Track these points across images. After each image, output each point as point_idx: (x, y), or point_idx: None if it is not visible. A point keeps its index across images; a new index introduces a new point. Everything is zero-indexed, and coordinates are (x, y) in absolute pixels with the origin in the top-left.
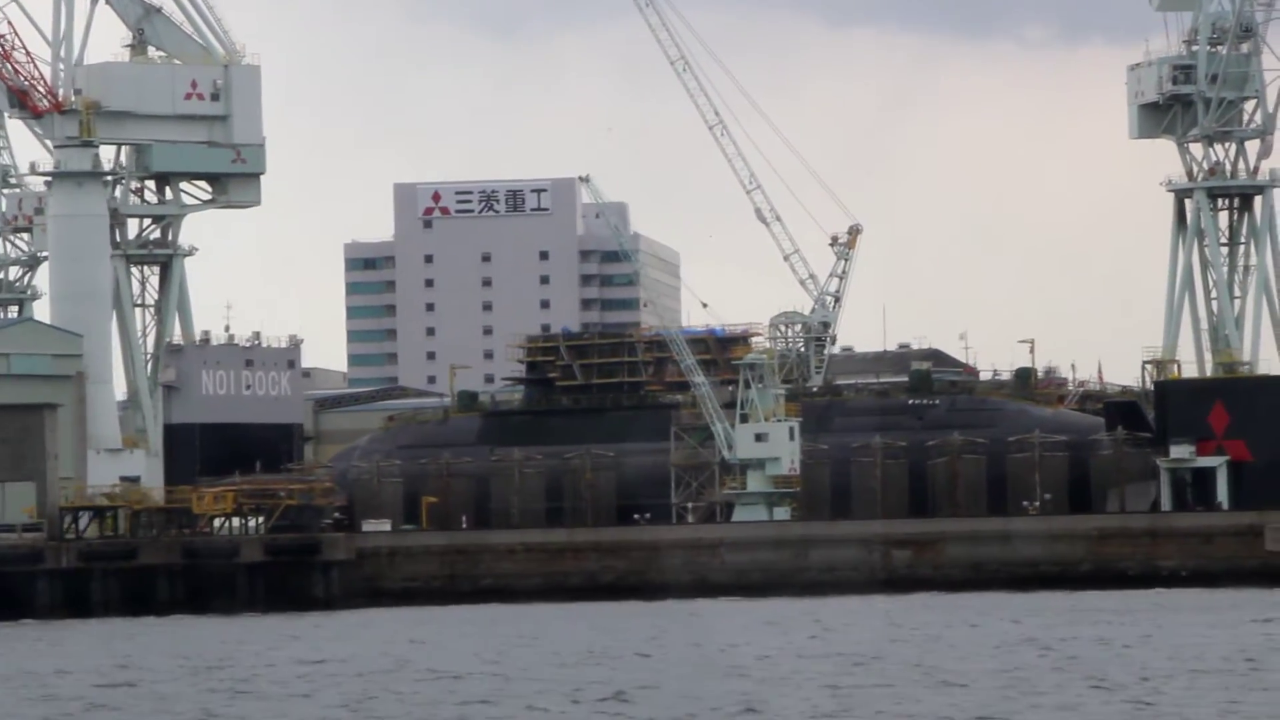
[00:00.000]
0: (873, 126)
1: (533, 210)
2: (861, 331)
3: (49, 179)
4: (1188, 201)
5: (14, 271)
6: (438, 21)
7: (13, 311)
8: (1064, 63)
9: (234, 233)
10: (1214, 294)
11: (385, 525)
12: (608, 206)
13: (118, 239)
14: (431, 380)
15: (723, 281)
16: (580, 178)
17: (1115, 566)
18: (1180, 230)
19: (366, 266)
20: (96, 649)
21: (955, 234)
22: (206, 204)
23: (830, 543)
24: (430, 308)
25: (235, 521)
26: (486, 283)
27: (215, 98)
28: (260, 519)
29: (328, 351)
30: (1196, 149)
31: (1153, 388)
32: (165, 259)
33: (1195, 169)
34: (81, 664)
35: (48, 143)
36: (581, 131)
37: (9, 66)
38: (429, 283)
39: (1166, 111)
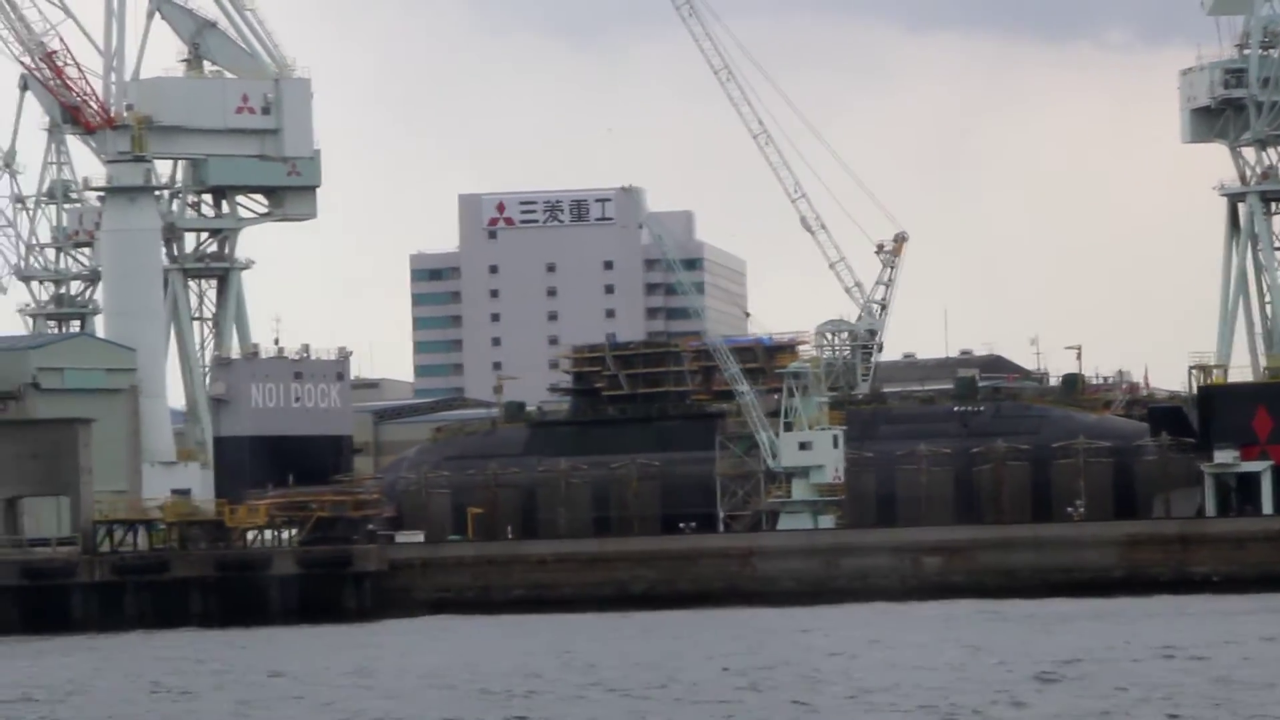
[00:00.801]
0: (954, 130)
1: (597, 220)
2: (925, 337)
3: (102, 194)
4: (1241, 206)
5: (75, 286)
6: (511, 31)
7: (74, 325)
8: (1145, 66)
9: (301, 245)
10: (1268, 298)
11: (418, 536)
12: (651, 217)
13: (175, 253)
14: (497, 391)
15: (789, 289)
16: (624, 188)
17: (1147, 573)
18: (1234, 234)
19: (432, 277)
20: None
21: (1028, 239)
22: (263, 218)
23: (861, 550)
24: (495, 318)
25: (269, 533)
26: (551, 293)
27: (266, 111)
28: (294, 531)
29: (396, 363)
30: (1249, 153)
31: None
32: (222, 272)
33: (1248, 173)
34: None
35: (100, 158)
36: (651, 140)
37: (60, 83)
38: (494, 293)
39: (1219, 116)
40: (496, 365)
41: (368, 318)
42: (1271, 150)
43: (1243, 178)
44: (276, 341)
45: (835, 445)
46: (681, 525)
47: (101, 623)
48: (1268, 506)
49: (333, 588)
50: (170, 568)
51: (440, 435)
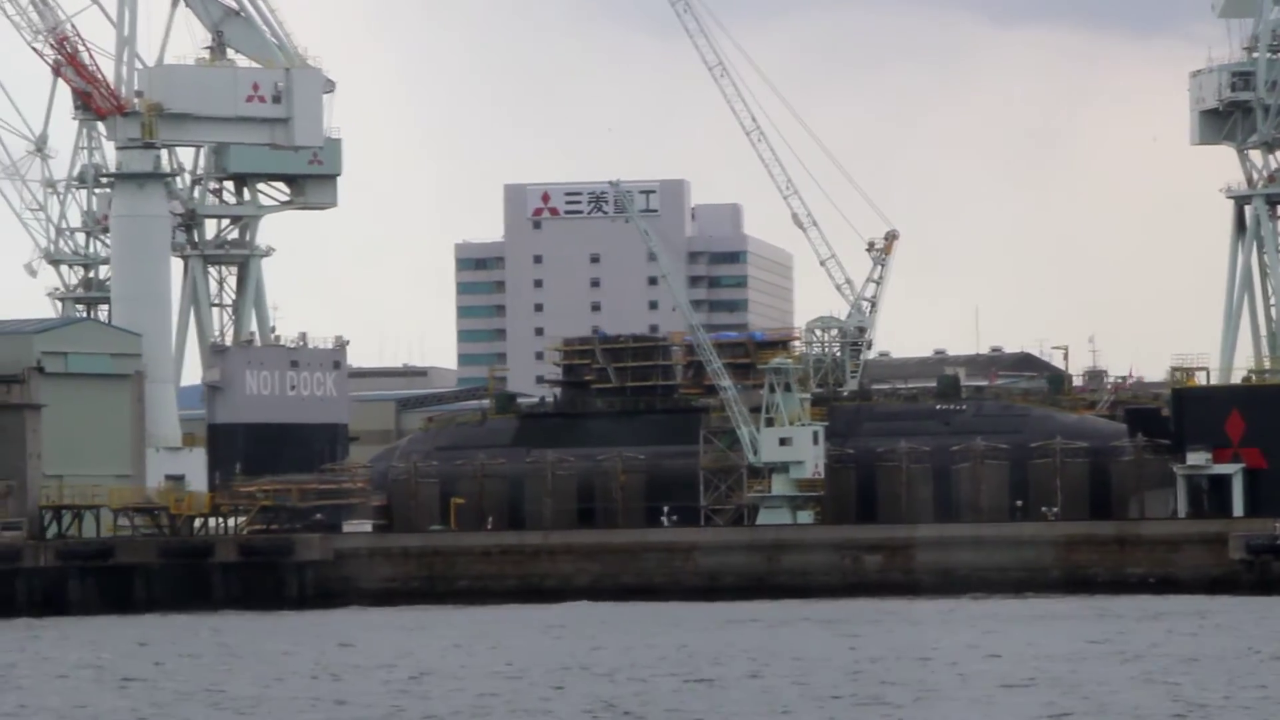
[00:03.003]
0: (1033, 126)
1: (641, 211)
2: (956, 334)
3: (111, 180)
4: (1247, 208)
5: (105, 270)
6: (566, 21)
7: (103, 310)
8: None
9: (346, 233)
10: (1273, 300)
11: (366, 526)
12: (638, 211)
13: (195, 239)
14: (540, 379)
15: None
16: (611, 183)
17: (1084, 573)
18: (1240, 236)
19: (477, 267)
20: None
21: (1092, 237)
22: (284, 205)
23: (802, 548)
24: (539, 308)
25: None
26: (595, 283)
27: (277, 100)
28: (240, 519)
29: (441, 350)
30: (1256, 155)
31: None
32: (242, 259)
33: (1254, 175)
34: None
35: (110, 144)
36: (700, 132)
37: (72, 69)
38: (538, 283)
39: (1227, 118)
40: (539, 355)
41: (413, 306)
42: (1278, 153)
43: (1249, 180)
44: (273, 329)
45: (815, 441)
46: (662, 518)
47: (46, 608)
48: (1239, 509)
49: (274, 576)
50: (115, 554)
51: (432, 425)
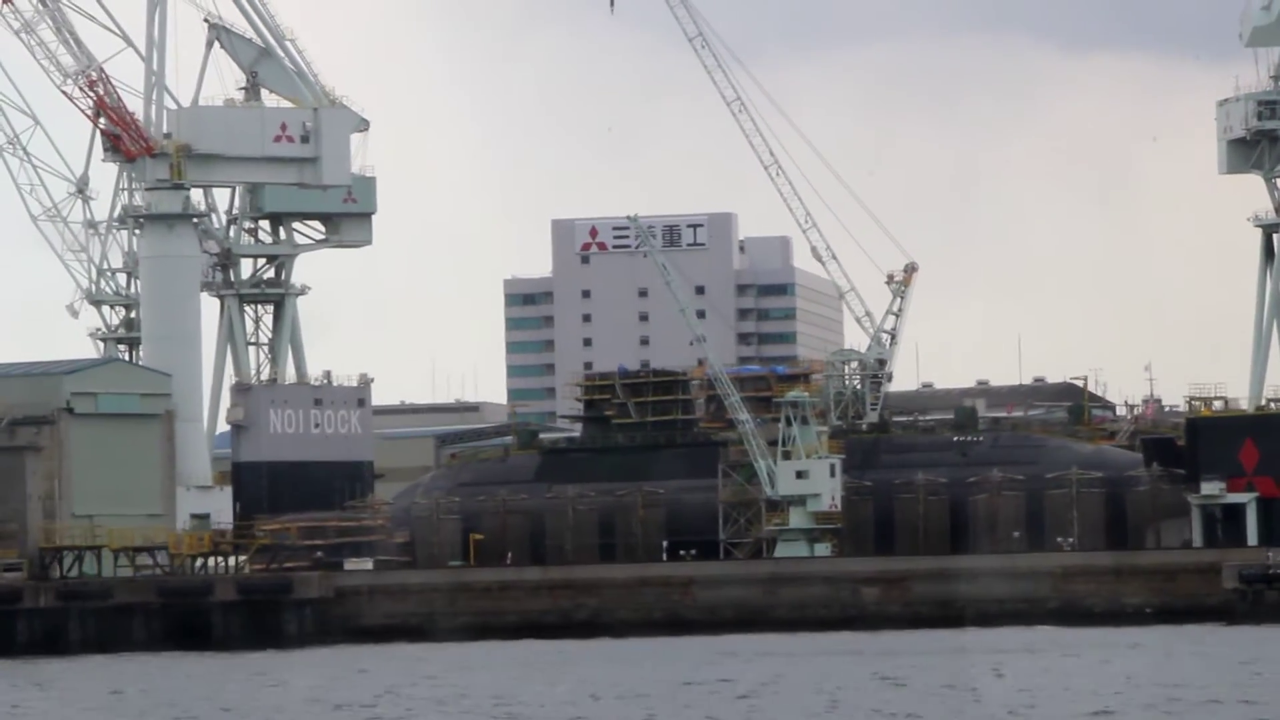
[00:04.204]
0: (1104, 155)
1: (689, 245)
2: (1000, 365)
3: (141, 221)
4: (1276, 236)
5: None
6: (639, 54)
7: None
8: None
9: (399, 270)
10: None
11: (367, 564)
12: (654, 248)
13: (231, 278)
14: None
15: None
16: (629, 218)
17: (1081, 603)
18: (1268, 265)
19: (525, 302)
20: None
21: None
22: (319, 244)
23: (799, 580)
24: (588, 343)
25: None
26: (644, 318)
27: (305, 140)
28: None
29: (494, 386)
30: None
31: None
32: (278, 298)
33: None
34: None
35: (139, 185)
36: (747, 164)
37: (103, 114)
38: (586, 318)
39: (1254, 147)
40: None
41: (467, 342)
42: None
43: (1278, 209)
44: (297, 369)
45: (832, 474)
46: (681, 552)
47: (45, 648)
48: (1252, 538)
49: (273, 614)
50: (114, 594)
51: (454, 461)
